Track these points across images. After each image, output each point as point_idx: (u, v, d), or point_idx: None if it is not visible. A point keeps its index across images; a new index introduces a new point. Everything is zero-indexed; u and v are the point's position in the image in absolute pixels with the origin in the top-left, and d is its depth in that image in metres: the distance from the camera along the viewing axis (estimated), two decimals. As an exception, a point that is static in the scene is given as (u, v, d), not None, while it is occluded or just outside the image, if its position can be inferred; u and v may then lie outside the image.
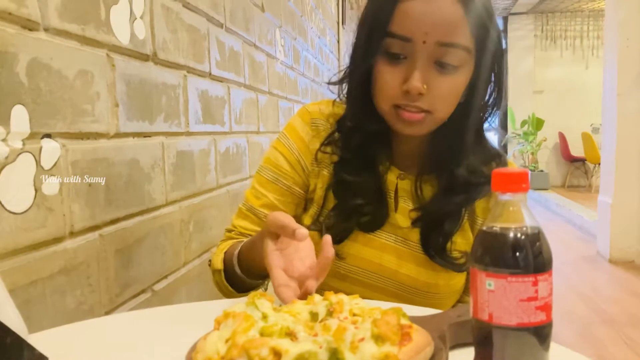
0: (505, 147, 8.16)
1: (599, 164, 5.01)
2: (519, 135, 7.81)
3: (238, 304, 0.53)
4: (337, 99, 0.94)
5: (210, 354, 0.45)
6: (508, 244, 0.47)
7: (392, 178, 0.90)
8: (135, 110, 1.04)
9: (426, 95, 0.77)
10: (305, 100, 2.83)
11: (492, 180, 0.48)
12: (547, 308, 0.47)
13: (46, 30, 0.79)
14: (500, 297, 0.46)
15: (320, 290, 0.91)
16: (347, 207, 0.87)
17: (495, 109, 0.86)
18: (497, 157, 0.89)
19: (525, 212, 0.48)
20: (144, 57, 1.08)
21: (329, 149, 0.91)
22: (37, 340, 0.49)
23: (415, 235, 0.89)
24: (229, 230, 0.95)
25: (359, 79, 0.83)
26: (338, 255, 0.87)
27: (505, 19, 8.20)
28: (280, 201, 0.91)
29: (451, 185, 0.85)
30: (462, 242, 0.88)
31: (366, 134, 0.86)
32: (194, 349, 0.50)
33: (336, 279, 0.88)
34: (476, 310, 0.49)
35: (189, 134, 1.31)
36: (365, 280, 0.88)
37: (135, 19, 1.04)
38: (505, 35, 8.27)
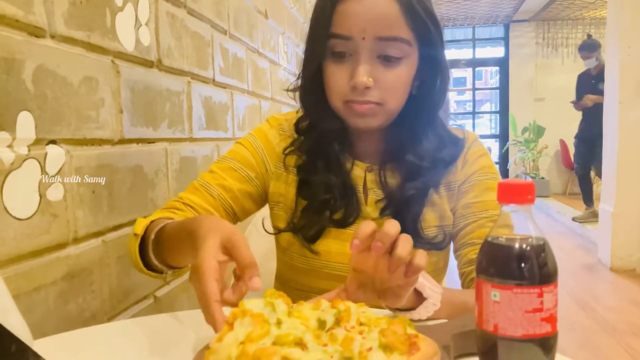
0: (506, 153, 8.16)
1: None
2: (520, 142, 7.81)
3: (255, 300, 0.51)
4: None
5: (222, 359, 0.45)
6: (514, 256, 0.47)
7: (359, 173, 0.92)
8: (139, 116, 1.04)
9: (374, 88, 0.81)
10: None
11: (497, 191, 0.48)
12: (552, 319, 0.47)
13: (52, 37, 0.79)
14: (506, 308, 0.46)
15: (298, 291, 0.91)
16: (316, 204, 0.89)
17: (442, 97, 0.89)
18: (453, 141, 0.92)
19: (530, 223, 0.48)
20: (148, 64, 1.08)
21: (295, 154, 0.93)
22: (40, 347, 0.49)
23: None
24: (173, 200, 0.89)
25: (311, 81, 0.87)
26: (313, 253, 0.88)
27: (507, 27, 8.20)
28: (238, 189, 0.90)
29: (410, 173, 0.88)
30: (433, 216, 0.89)
31: (324, 134, 0.89)
32: (205, 349, 0.50)
33: (313, 277, 0.89)
34: (481, 320, 0.49)
35: (192, 140, 1.31)
36: (343, 275, 0.87)
37: (141, 25, 1.05)
38: (507, 42, 8.28)
